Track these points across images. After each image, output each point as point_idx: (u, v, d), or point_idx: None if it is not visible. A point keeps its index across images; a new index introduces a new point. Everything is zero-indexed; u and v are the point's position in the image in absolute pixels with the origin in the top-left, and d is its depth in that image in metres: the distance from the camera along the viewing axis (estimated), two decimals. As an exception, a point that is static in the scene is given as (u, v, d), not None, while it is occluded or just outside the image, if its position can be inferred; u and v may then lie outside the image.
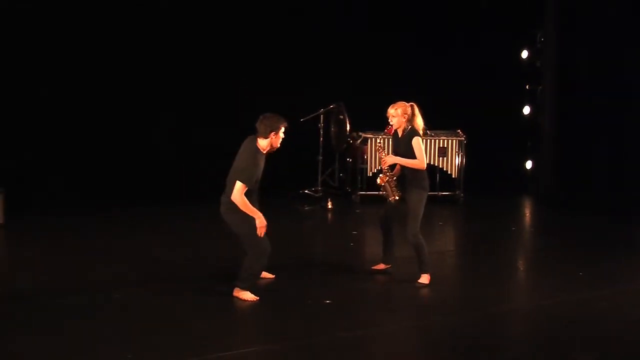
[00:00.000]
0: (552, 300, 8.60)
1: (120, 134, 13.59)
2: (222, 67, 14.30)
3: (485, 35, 15.30)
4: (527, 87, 15.54)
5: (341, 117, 13.71)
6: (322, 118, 13.80)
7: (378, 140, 9.47)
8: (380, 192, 9.27)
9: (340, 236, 11.67)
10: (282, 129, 8.29)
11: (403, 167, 8.92)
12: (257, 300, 8.23)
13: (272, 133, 8.23)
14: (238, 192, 8.09)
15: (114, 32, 13.56)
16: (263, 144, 8.27)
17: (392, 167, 9.12)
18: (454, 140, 13.56)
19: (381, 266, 9.40)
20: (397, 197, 8.97)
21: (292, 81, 14.29)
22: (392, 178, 9.01)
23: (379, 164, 9.23)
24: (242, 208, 8.12)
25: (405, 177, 8.92)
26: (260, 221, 8.19)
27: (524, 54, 15.53)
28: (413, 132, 8.84)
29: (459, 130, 13.73)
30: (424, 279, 8.90)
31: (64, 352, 6.83)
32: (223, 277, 8.81)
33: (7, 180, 11.33)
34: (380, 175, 9.09)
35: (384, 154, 9.20)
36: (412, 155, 8.79)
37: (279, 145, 8.36)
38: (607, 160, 14.57)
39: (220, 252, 9.85)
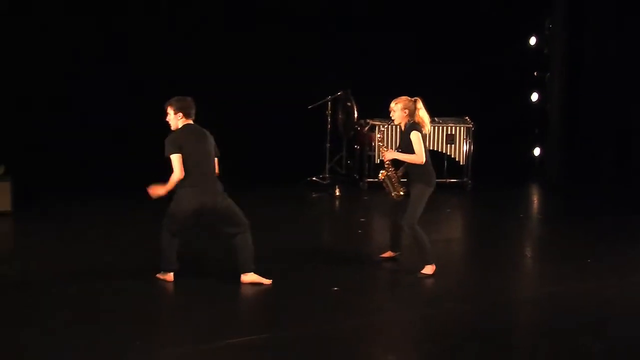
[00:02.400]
0: (559, 289, 8.61)
1: (128, 122, 13.58)
2: (230, 57, 14.28)
3: (494, 21, 15.24)
4: (535, 74, 15.49)
5: (349, 104, 13.69)
6: (329, 105, 13.78)
7: (378, 134, 9.42)
8: (384, 188, 9.25)
9: (348, 223, 11.69)
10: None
11: (408, 164, 8.89)
12: (269, 283, 8.29)
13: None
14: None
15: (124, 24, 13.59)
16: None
17: (398, 164, 9.07)
18: (462, 127, 13.53)
19: (389, 254, 9.40)
20: (401, 193, 8.93)
21: (300, 68, 14.27)
22: (394, 173, 8.97)
23: (380, 157, 9.17)
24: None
25: (410, 171, 8.89)
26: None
27: (532, 40, 15.48)
28: (412, 127, 8.78)
29: (466, 117, 13.70)
30: (427, 269, 8.84)
31: (72, 340, 6.86)
32: (230, 266, 8.84)
33: (14, 168, 11.35)
34: (381, 170, 9.07)
35: (384, 149, 9.16)
36: (412, 151, 8.76)
37: None
38: (615, 148, 14.54)
39: (227, 241, 9.81)
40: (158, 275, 8.41)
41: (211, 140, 8.34)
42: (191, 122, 8.30)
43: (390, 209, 9.33)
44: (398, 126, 9.02)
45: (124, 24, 13.56)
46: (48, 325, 7.19)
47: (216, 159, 8.33)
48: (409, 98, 8.83)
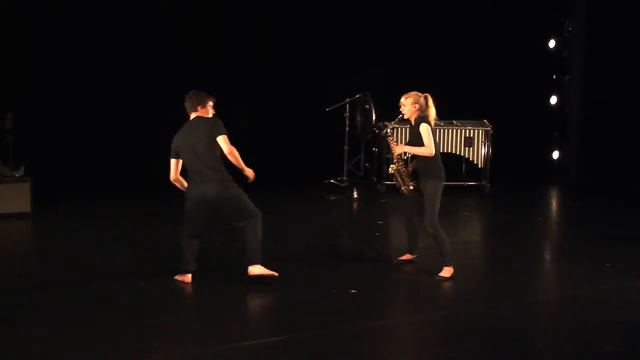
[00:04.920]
0: (578, 291, 8.57)
1: (148, 121, 13.60)
2: (251, 57, 14.30)
3: (513, 24, 15.21)
4: (554, 76, 15.45)
5: (367, 106, 13.68)
6: (348, 107, 13.79)
7: (388, 130, 9.40)
8: (393, 182, 9.26)
9: (365, 226, 11.67)
10: (210, 103, 8.50)
11: (417, 157, 8.87)
12: (276, 275, 8.30)
13: (199, 106, 8.43)
14: (229, 144, 8.26)
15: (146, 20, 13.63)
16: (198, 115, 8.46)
17: (408, 161, 9.06)
18: (481, 130, 13.50)
19: (407, 256, 9.38)
20: (410, 187, 8.92)
21: (318, 70, 14.28)
22: (404, 168, 8.96)
23: (391, 154, 9.16)
24: (235, 158, 8.26)
25: (420, 167, 8.88)
26: (249, 172, 8.40)
27: (552, 43, 15.43)
28: (422, 120, 8.80)
29: (485, 120, 13.67)
30: (446, 272, 8.82)
31: (90, 341, 6.87)
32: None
33: (34, 169, 11.40)
34: (392, 165, 9.07)
35: (394, 144, 9.15)
36: (421, 143, 8.76)
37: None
38: (635, 150, 14.45)
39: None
40: (176, 277, 8.42)
41: (207, 127, 8.33)
42: (197, 114, 8.42)
43: (404, 210, 9.32)
44: (409, 123, 8.99)
45: (133, 28, 13.59)
46: (70, 325, 7.21)
47: (222, 136, 8.25)
48: (419, 93, 8.84)
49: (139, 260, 9.24)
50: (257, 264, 8.36)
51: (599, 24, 14.74)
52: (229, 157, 8.26)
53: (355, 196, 13.15)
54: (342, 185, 13.67)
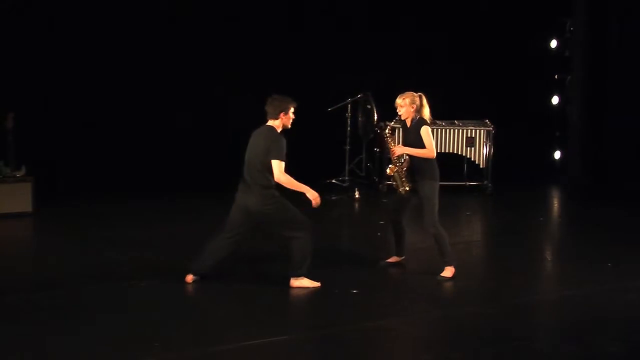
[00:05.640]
0: (579, 291, 8.56)
1: (148, 122, 13.60)
2: (251, 58, 14.30)
3: (514, 24, 15.20)
4: (555, 76, 15.44)
5: (368, 106, 13.68)
6: (349, 108, 13.79)
7: (387, 130, 9.36)
8: (391, 183, 9.25)
9: (367, 226, 11.66)
10: (292, 109, 8.35)
11: (412, 158, 8.82)
12: (319, 286, 8.30)
13: (282, 113, 8.28)
14: (281, 172, 8.12)
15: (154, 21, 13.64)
16: (276, 124, 8.31)
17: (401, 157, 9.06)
18: (482, 130, 13.48)
19: (394, 259, 9.35)
20: (407, 189, 8.90)
21: (320, 70, 14.28)
22: (402, 169, 8.93)
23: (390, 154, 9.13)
24: (289, 186, 8.15)
25: (415, 168, 8.85)
26: (312, 193, 8.26)
27: (553, 43, 15.43)
28: (422, 122, 8.78)
29: (487, 120, 13.65)
30: (447, 272, 8.81)
31: (90, 341, 6.87)
32: (248, 267, 8.85)
33: (36, 168, 11.41)
34: (390, 165, 9.04)
35: (392, 145, 9.13)
36: (420, 145, 8.73)
37: (290, 126, 8.39)
38: (636, 150, 14.45)
39: (246, 242, 9.80)
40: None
41: (268, 143, 8.18)
42: (273, 123, 8.33)
43: (388, 213, 9.33)
44: (403, 123, 8.97)
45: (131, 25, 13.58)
46: (70, 326, 7.21)
47: (274, 161, 8.11)
48: (414, 93, 8.82)
49: (139, 260, 9.23)
50: (299, 277, 8.31)
51: (600, 24, 14.72)
52: (281, 183, 8.16)
53: (357, 196, 13.15)
54: (344, 185, 13.67)
